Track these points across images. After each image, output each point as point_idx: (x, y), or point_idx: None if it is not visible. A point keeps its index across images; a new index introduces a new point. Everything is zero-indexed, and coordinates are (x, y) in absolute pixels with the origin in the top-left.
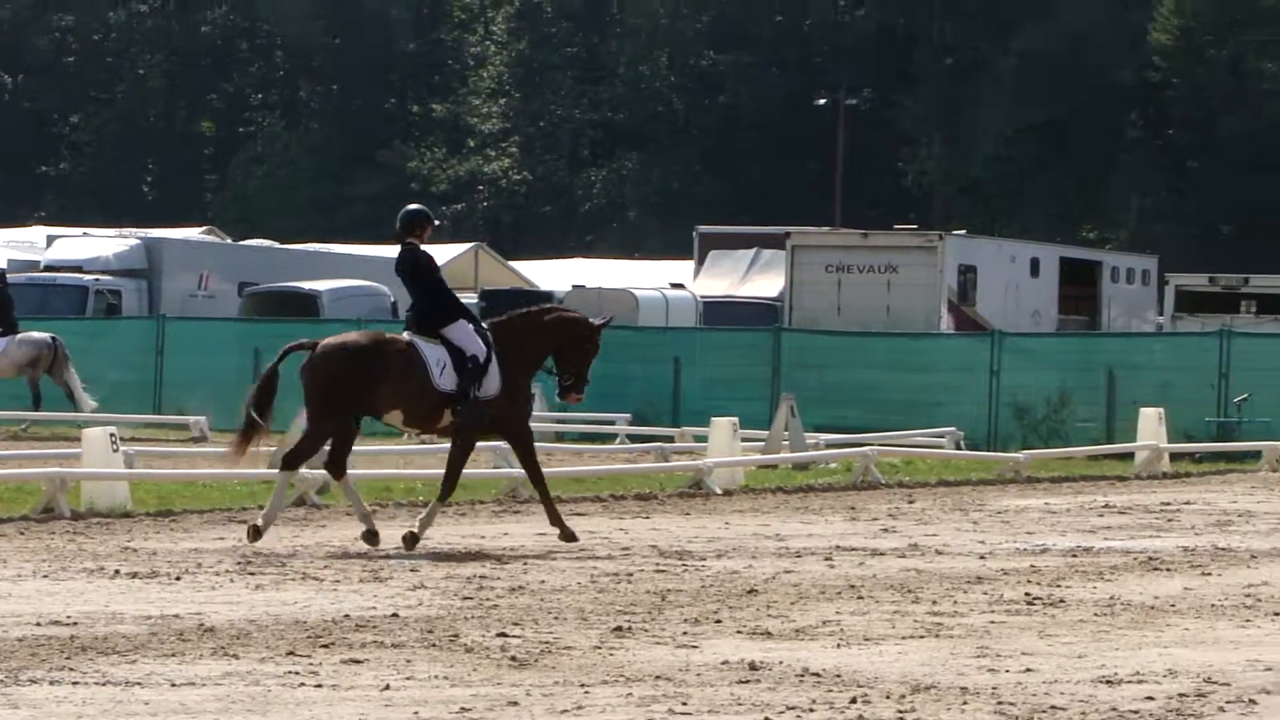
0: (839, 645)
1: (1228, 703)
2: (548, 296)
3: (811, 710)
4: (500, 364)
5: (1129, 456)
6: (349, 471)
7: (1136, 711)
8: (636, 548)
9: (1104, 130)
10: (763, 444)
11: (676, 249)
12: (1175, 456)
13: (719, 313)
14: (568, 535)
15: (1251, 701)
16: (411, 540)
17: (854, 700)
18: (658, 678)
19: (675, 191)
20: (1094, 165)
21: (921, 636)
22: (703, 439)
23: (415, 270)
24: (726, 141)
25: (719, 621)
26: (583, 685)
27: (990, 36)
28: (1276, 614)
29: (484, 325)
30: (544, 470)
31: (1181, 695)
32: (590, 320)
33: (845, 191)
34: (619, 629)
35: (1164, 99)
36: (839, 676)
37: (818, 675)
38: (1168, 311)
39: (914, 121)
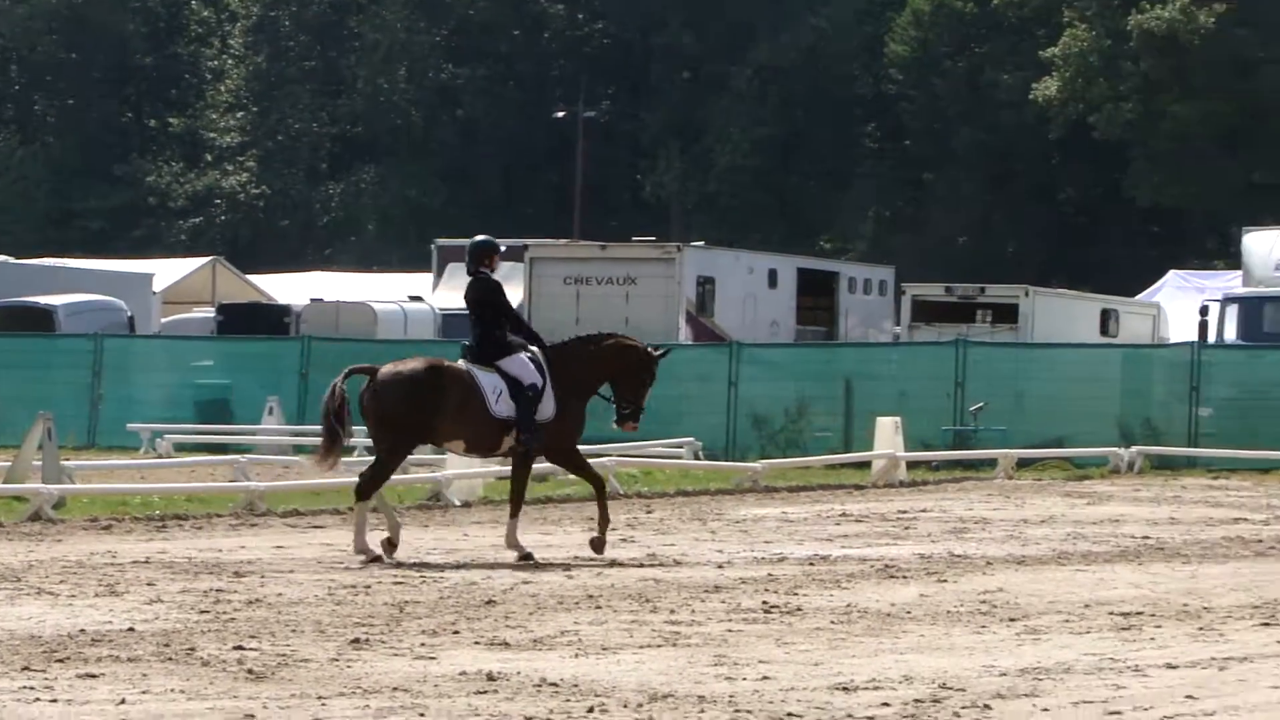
0: (577, 655)
1: (962, 708)
2: (285, 310)
3: None
4: (555, 387)
5: (866, 465)
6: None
7: (872, 718)
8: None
9: (841, 142)
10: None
11: (415, 262)
12: (912, 465)
13: (458, 325)
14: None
15: (986, 707)
16: (523, 557)
17: (591, 710)
18: (395, 689)
19: (414, 205)
20: (831, 177)
21: (659, 645)
22: (441, 451)
23: (483, 301)
24: (465, 155)
25: (457, 632)
26: (320, 698)
27: (728, 49)
28: (1011, 620)
29: (543, 348)
30: (283, 484)
31: (917, 701)
32: (648, 349)
33: (584, 204)
34: (356, 641)
35: (900, 111)
36: (576, 686)
37: (555, 685)
38: (904, 321)
39: (652, 134)
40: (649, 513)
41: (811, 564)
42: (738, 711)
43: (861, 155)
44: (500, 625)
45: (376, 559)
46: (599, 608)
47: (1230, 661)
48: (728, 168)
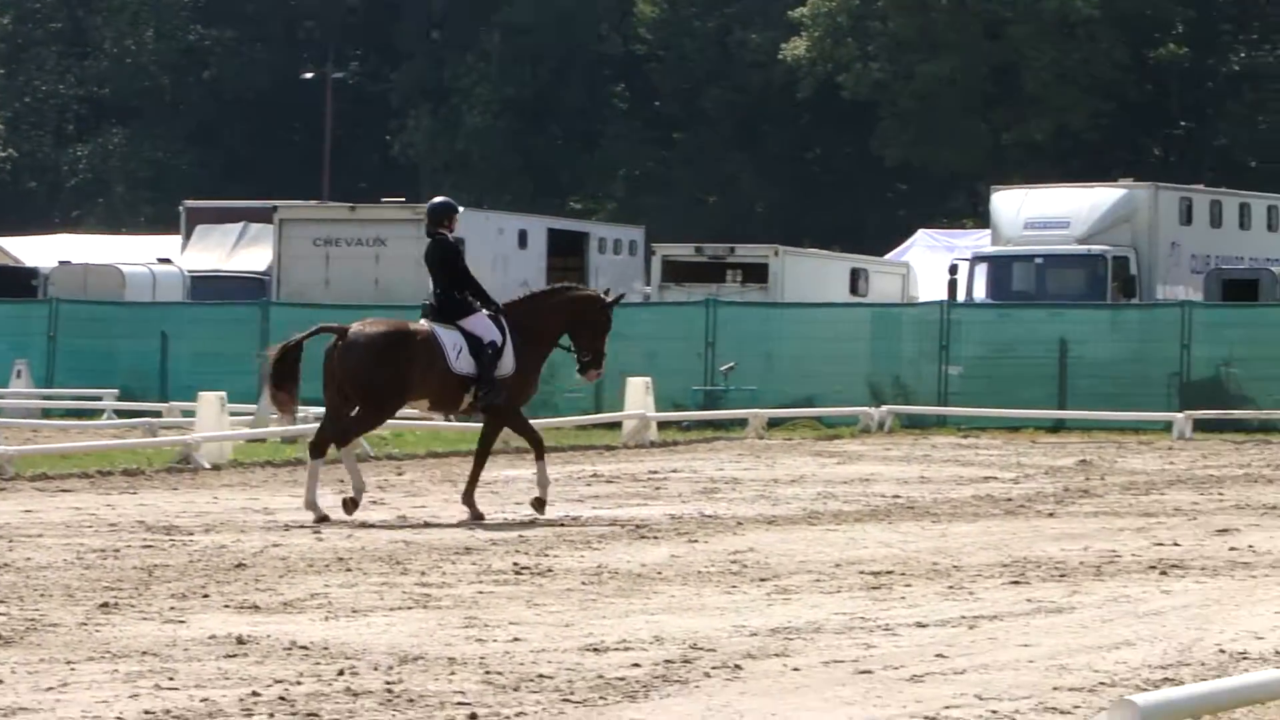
0: (327, 618)
1: (713, 668)
2: (33, 273)
3: (299, 683)
4: (513, 344)
5: (617, 426)
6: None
7: (623, 679)
8: (124, 524)
9: (591, 102)
10: (251, 418)
11: (163, 224)
12: (663, 425)
13: (207, 287)
14: (476, 515)
15: (737, 667)
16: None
17: (342, 672)
18: (144, 653)
19: (162, 166)
20: (581, 137)
21: (410, 608)
22: (191, 414)
23: (443, 260)
24: (213, 116)
25: (206, 596)
26: (69, 662)
27: (476, 9)
28: (762, 580)
29: (500, 307)
30: (31, 448)
31: (667, 662)
32: (601, 296)
33: (333, 165)
34: (105, 605)
35: (650, 70)
36: (327, 649)
37: (305, 648)
38: (655, 281)
39: (401, 95)
40: (399, 475)
41: (562, 525)
42: (489, 673)
43: (611, 115)
44: (250, 589)
45: (324, 519)
46: (349, 570)
47: (980, 620)
48: (476, 128)
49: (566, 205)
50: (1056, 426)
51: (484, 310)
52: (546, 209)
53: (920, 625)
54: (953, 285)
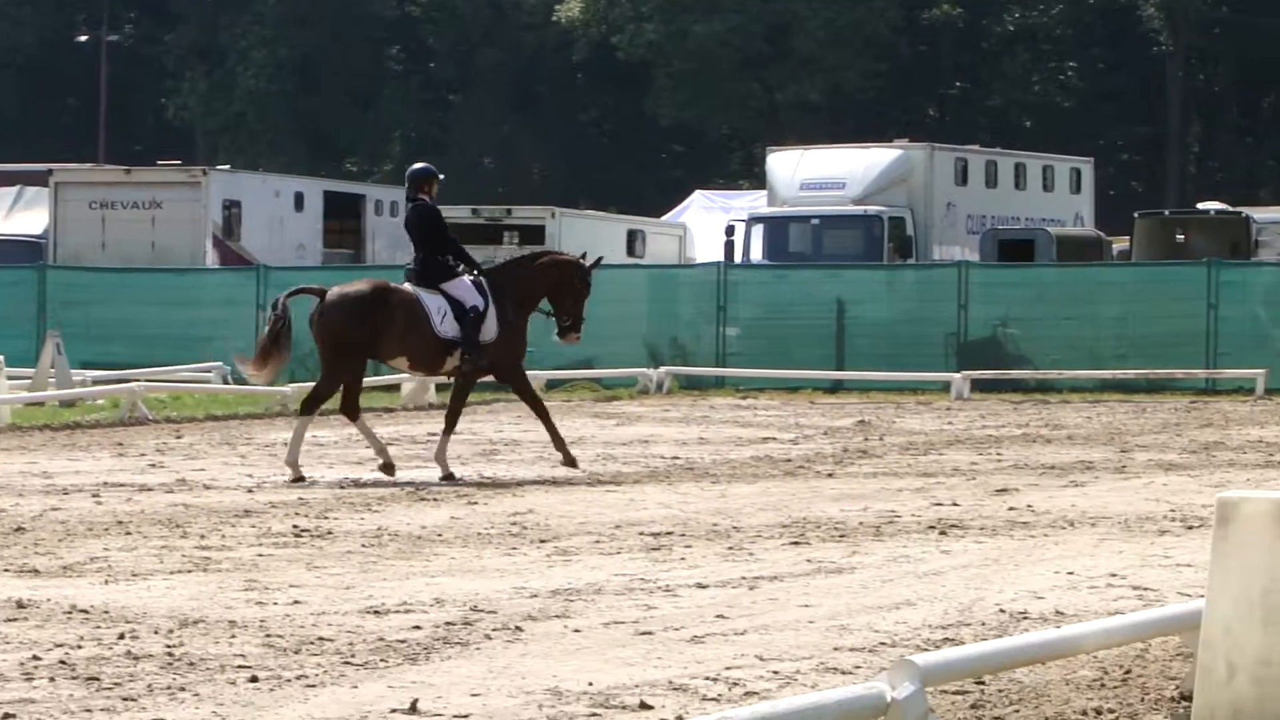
0: (107, 581)
1: (494, 630)
2: None
3: (79, 647)
4: (496, 308)
5: (396, 388)
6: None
7: (404, 640)
8: None
9: (366, 64)
10: (29, 381)
11: None
12: (441, 388)
13: None
14: (570, 461)
15: (517, 629)
16: (446, 477)
17: (122, 636)
18: None
19: None
20: (356, 99)
21: (190, 571)
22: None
23: (422, 226)
24: None
25: None
26: None
27: None
28: (542, 541)
29: (482, 270)
30: None
31: (449, 624)
32: (580, 261)
33: (109, 128)
34: None
35: (425, 32)
36: (107, 613)
37: (86, 612)
38: None
39: (175, 57)
40: (178, 438)
41: (342, 488)
42: (269, 636)
43: (387, 77)
44: (30, 552)
45: (299, 479)
46: (129, 534)
47: (760, 580)
48: (252, 91)
49: (343, 168)
50: (835, 387)
51: (466, 275)
52: (323, 172)
53: (700, 586)
54: (729, 246)
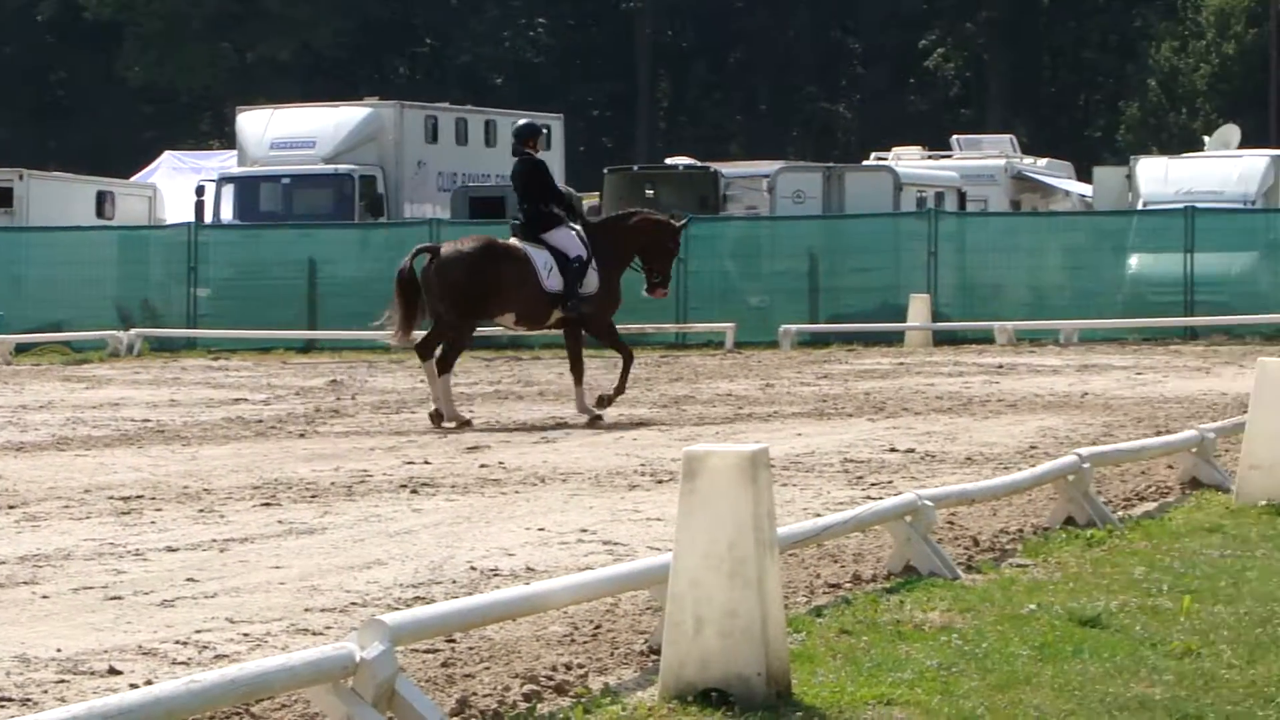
0: None
1: None
2: None
3: None
4: (596, 262)
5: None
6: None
7: None
8: None
9: None
10: None
11: None
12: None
13: None
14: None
15: None
16: (593, 420)
17: None
18: None
19: None
20: None
21: None
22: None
23: (526, 178)
24: None
25: None
26: None
27: None
28: (10, 507)
29: (586, 225)
30: None
31: None
32: (671, 222)
33: None
34: None
35: None
36: None
37: None
38: None
39: None
40: None
41: None
42: None
43: None
44: None
45: (467, 423)
46: None
47: (231, 543)
48: None
49: None
50: (307, 347)
51: (567, 227)
52: None
53: (171, 549)
54: (200, 207)
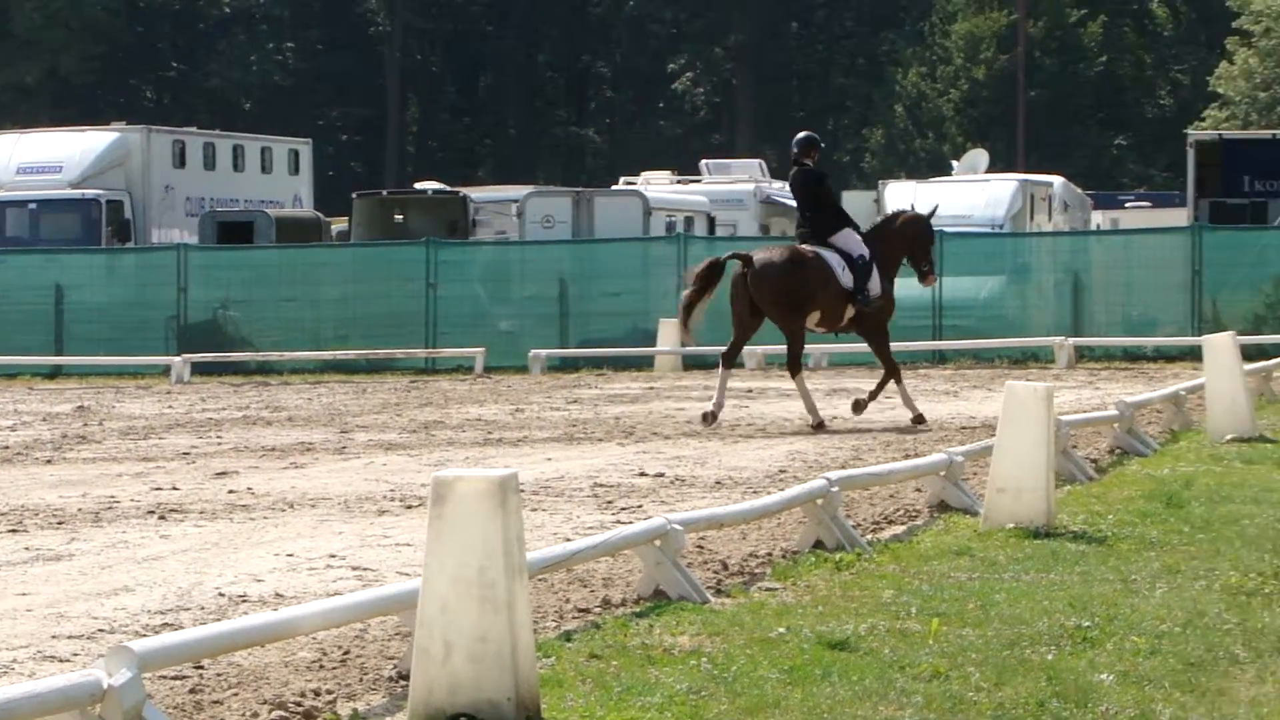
0: None
1: None
2: None
3: None
4: (879, 268)
5: None
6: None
7: None
8: None
9: None
10: None
11: None
12: None
13: None
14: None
15: None
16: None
17: None
18: None
19: None
20: None
21: None
22: None
23: (809, 187)
24: None
25: None
26: None
27: None
28: None
29: (860, 232)
30: None
31: None
32: (921, 215)
33: None
34: None
35: None
36: None
37: None
38: None
39: None
40: None
41: None
42: None
43: None
44: None
45: (820, 424)
46: None
47: None
48: None
49: None
50: (54, 373)
51: (849, 229)
52: None
53: None
54: None
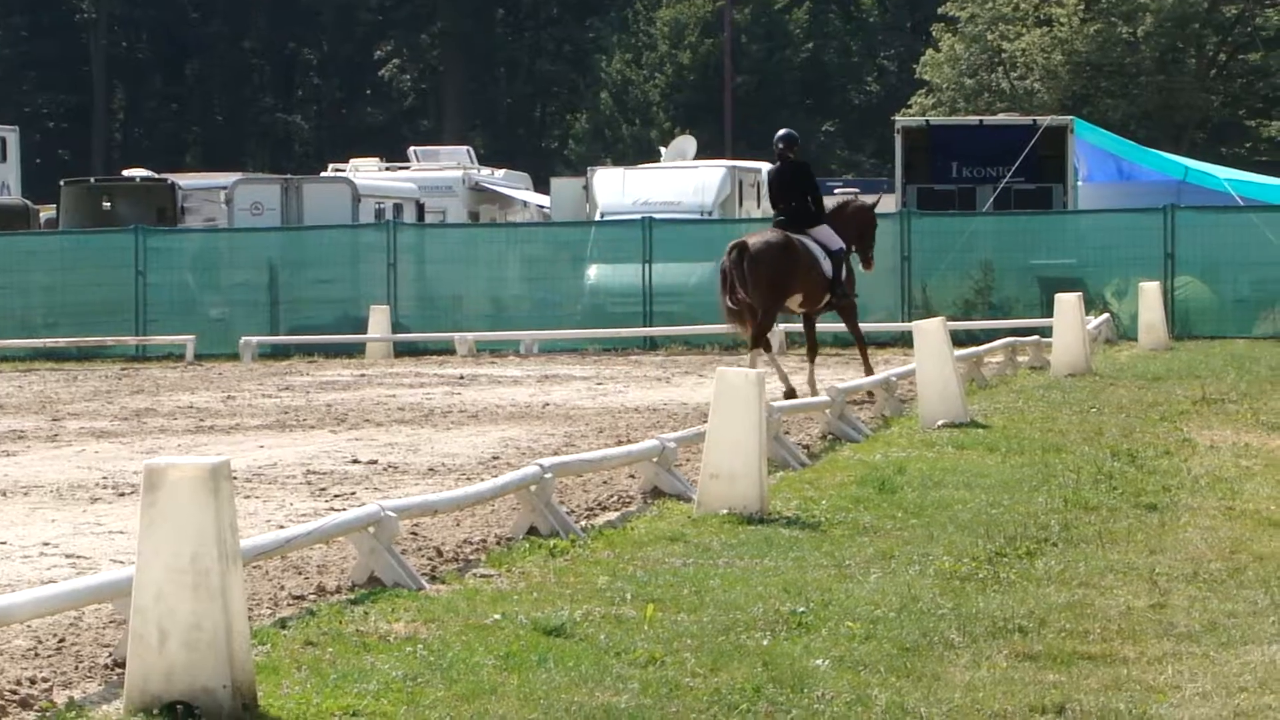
0: None
1: None
2: None
3: None
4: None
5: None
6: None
7: None
8: None
9: None
10: None
11: None
12: None
13: None
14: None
15: None
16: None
17: None
18: None
19: None
20: None
21: None
22: None
23: (798, 179)
24: None
25: None
26: None
27: None
28: None
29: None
30: None
31: None
32: (869, 204)
33: None
34: None
35: None
36: None
37: None
38: None
39: None
40: None
41: None
42: None
43: None
44: None
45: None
46: None
47: None
48: None
49: None
50: None
51: (824, 224)
52: None
53: None
54: None
